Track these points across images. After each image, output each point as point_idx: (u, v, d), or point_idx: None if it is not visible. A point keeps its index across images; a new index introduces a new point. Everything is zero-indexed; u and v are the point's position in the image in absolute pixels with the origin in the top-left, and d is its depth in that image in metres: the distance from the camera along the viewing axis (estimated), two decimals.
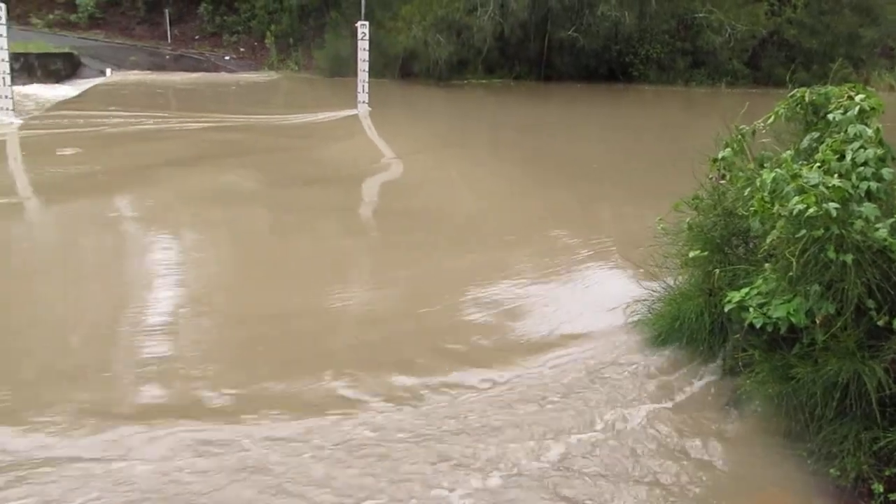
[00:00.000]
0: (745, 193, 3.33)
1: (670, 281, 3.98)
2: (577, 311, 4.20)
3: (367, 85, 12.65)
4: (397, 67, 19.45)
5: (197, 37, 23.22)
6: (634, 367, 3.58)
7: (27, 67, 15.47)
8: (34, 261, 5.06)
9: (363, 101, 12.69)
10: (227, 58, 22.07)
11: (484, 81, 20.62)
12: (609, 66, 21.35)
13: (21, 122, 10.30)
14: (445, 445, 2.87)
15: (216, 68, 20.69)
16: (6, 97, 10.30)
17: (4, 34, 10.07)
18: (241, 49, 22.68)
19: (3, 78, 10.20)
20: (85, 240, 5.50)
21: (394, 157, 9.75)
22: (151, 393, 3.20)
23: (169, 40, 22.61)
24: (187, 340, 3.74)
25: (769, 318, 2.93)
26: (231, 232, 5.81)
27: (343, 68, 19.54)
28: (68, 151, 8.87)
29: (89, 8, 22.78)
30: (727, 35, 20.60)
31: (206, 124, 11.19)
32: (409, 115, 14.80)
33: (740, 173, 3.60)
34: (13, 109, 10.40)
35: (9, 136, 9.48)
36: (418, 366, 3.52)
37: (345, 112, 12.69)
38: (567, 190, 7.78)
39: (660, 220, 3.90)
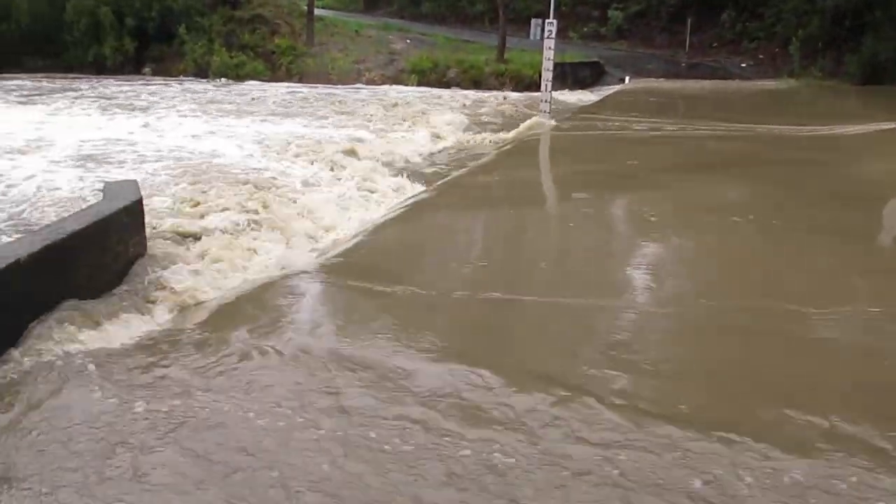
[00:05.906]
0: None
1: None
2: None
3: None
4: None
5: (714, 44, 23.18)
6: None
7: (561, 75, 17.68)
8: (534, 247, 5.73)
9: None
10: (742, 65, 21.53)
11: None
12: None
13: (554, 123, 11.82)
14: None
15: (730, 76, 20.36)
16: (546, 101, 11.95)
17: (552, 47, 11.67)
18: (760, 56, 21.83)
19: (547, 84, 11.84)
20: (581, 234, 5.97)
21: None
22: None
23: (686, 48, 23.09)
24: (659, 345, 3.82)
25: None
26: (719, 245, 5.62)
27: (880, 75, 17.22)
28: (582, 151, 9.86)
29: (618, 20, 24.79)
30: None
31: (711, 132, 11.09)
32: None
33: None
34: (549, 112, 12.01)
35: (543, 134, 10.98)
36: None
37: (882, 125, 10.97)
38: None
39: None
